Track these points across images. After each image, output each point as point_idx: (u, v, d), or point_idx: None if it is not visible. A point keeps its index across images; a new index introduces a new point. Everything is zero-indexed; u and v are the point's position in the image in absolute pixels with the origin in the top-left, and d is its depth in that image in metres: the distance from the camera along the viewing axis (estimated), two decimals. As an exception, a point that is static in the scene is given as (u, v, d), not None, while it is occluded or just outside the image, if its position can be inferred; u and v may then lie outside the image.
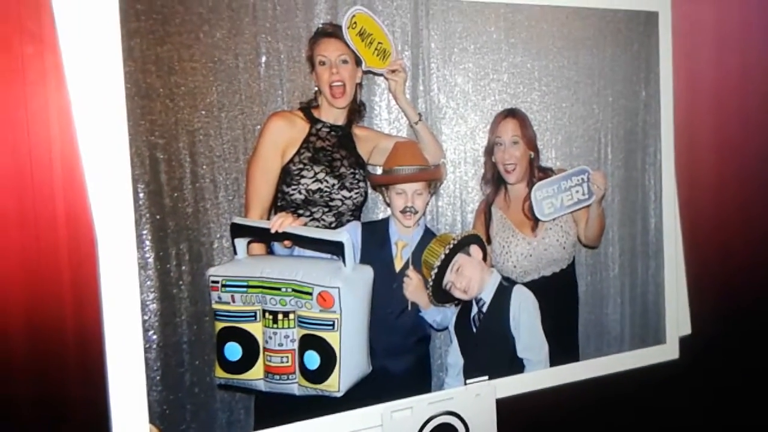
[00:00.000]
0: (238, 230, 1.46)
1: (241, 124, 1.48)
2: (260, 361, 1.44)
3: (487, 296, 1.66)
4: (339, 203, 1.59)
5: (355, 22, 1.54)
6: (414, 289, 1.62)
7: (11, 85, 1.21)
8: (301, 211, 1.56)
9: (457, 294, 1.65)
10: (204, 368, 1.45)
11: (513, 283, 1.71)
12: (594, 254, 1.87)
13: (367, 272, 1.50)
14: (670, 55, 1.87)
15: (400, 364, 1.62)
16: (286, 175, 1.54)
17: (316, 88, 1.58)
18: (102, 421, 1.26)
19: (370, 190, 1.66)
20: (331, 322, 1.42)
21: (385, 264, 1.62)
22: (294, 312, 1.43)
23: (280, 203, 1.56)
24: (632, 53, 1.85)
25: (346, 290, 1.41)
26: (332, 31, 1.54)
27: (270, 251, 1.55)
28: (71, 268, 1.27)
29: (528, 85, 1.75)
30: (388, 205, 1.66)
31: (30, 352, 1.25)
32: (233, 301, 1.43)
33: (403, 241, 1.64)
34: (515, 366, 1.67)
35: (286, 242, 1.48)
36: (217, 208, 1.47)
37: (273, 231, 1.43)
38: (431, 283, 1.60)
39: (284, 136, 1.53)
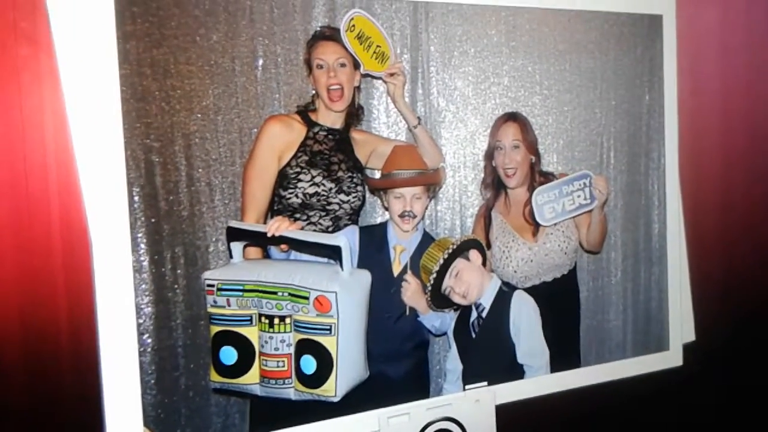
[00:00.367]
0: (234, 234, 1.45)
1: (238, 127, 1.47)
2: (256, 365, 1.43)
3: (487, 301, 1.65)
4: (336, 207, 1.58)
5: (353, 25, 1.53)
6: (412, 294, 1.61)
7: (6, 87, 1.21)
8: (297, 215, 1.55)
9: (456, 299, 1.63)
10: (199, 372, 1.45)
11: (513, 288, 1.69)
12: (596, 259, 1.85)
13: (365, 277, 1.49)
14: (675, 59, 1.85)
15: (397, 369, 1.61)
16: (283, 179, 1.53)
17: (314, 92, 1.57)
18: (96, 424, 1.26)
19: (368, 194, 1.65)
20: (328, 327, 1.41)
21: (383, 268, 1.61)
22: (290, 316, 1.42)
23: (276, 207, 1.55)
24: (636, 57, 1.84)
25: (344, 295, 1.41)
26: (330, 34, 1.53)
27: (266, 255, 1.54)
28: (66, 270, 1.27)
29: (529, 88, 1.73)
30: (387, 209, 1.65)
31: (24, 354, 1.25)
32: (229, 305, 1.42)
33: (401, 246, 1.63)
34: (515, 372, 1.65)
35: (283, 246, 1.48)
36: (212, 212, 1.47)
37: (269, 235, 1.43)
38: (429, 288, 1.59)
39: (281, 140, 1.52)
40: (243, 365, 1.43)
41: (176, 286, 1.42)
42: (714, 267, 1.98)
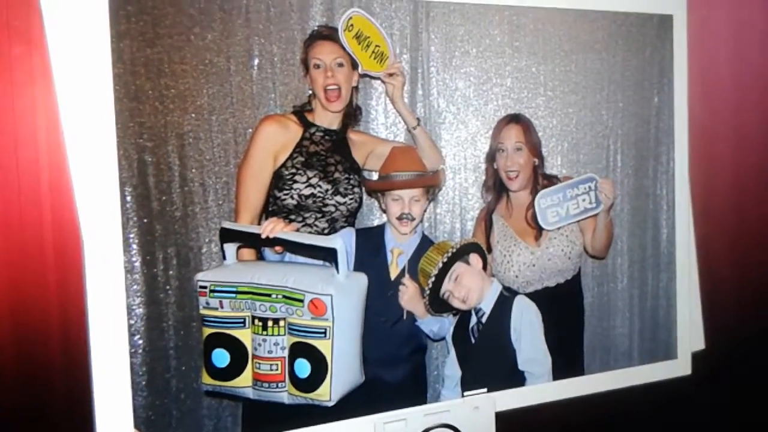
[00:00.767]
0: (227, 235, 1.44)
1: (232, 127, 1.46)
2: (249, 368, 1.42)
3: (487, 306, 1.62)
4: (333, 209, 1.56)
5: (351, 25, 1.51)
6: (409, 298, 1.58)
7: (-2, 86, 1.21)
8: (293, 217, 1.53)
9: (456, 304, 1.60)
10: (191, 374, 1.44)
11: (515, 293, 1.66)
12: (601, 265, 1.81)
13: (361, 280, 1.47)
14: (686, 60, 1.80)
15: (394, 374, 1.59)
16: (278, 180, 1.52)
17: (311, 92, 1.56)
18: (86, 425, 1.25)
19: (365, 197, 1.63)
20: (322, 330, 1.39)
21: (380, 272, 1.59)
22: (284, 319, 1.40)
23: (271, 208, 1.53)
24: (644, 58, 1.80)
25: (339, 298, 1.39)
26: (328, 34, 1.52)
27: (260, 257, 1.52)
28: (57, 270, 1.26)
29: (533, 89, 1.70)
30: (384, 211, 1.62)
31: (15, 354, 1.25)
32: (221, 307, 1.41)
33: (398, 249, 1.61)
34: (516, 379, 1.62)
35: (277, 248, 1.46)
36: (206, 213, 1.46)
37: (264, 236, 1.41)
38: (428, 292, 1.56)
39: (276, 140, 1.51)
40: (235, 368, 1.41)
41: (168, 287, 1.41)
42: (725, 274, 1.92)
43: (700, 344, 1.86)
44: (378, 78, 1.59)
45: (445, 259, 1.56)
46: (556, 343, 1.64)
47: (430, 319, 1.61)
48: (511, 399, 1.61)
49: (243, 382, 1.42)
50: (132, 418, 1.28)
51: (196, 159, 1.43)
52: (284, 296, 1.39)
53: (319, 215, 1.55)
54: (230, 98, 1.45)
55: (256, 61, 1.47)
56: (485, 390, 1.58)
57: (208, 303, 1.41)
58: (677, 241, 1.81)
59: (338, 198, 1.56)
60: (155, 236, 1.39)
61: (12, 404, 1.25)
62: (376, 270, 1.55)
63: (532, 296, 1.66)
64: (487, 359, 1.62)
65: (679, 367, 1.83)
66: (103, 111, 1.24)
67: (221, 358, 1.41)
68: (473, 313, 1.62)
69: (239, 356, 1.41)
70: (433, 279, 1.55)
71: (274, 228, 1.41)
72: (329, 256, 1.41)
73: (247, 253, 1.50)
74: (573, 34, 1.73)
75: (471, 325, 1.63)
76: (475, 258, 1.62)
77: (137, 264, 1.37)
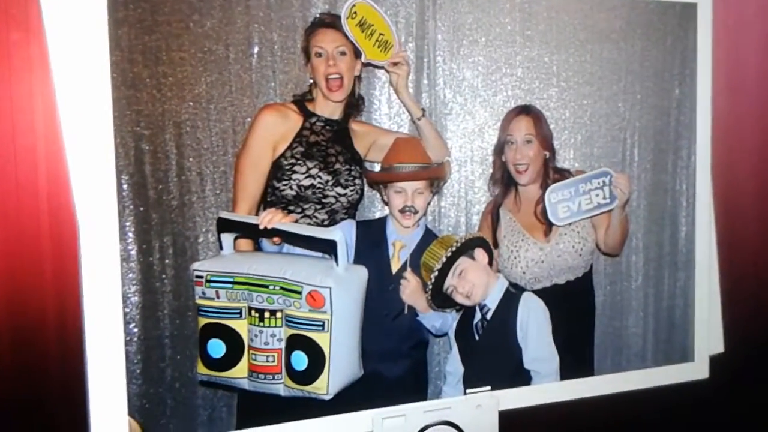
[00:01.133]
0: (224, 225, 1.43)
1: (231, 116, 1.45)
2: (245, 359, 1.41)
3: (492, 303, 1.58)
4: (333, 200, 1.53)
5: (355, 12, 1.47)
6: (411, 292, 1.55)
7: (-5, 73, 1.22)
8: (291, 208, 1.51)
9: (460, 299, 1.57)
10: (186, 363, 1.43)
11: (521, 290, 1.61)
12: (614, 263, 1.75)
13: (361, 273, 1.45)
14: (710, 51, 1.72)
15: (394, 369, 1.56)
16: (277, 170, 1.50)
17: (311, 81, 1.53)
18: (80, 412, 1.26)
19: (366, 188, 1.60)
20: (320, 323, 1.37)
21: (381, 265, 1.56)
22: (282, 311, 1.39)
23: (270, 198, 1.52)
24: (665, 48, 1.72)
25: (338, 290, 1.37)
26: (330, 21, 1.49)
27: (258, 248, 1.51)
28: (53, 258, 1.26)
29: (545, 80, 1.65)
30: (386, 203, 1.59)
31: (10, 341, 1.26)
32: (218, 297, 1.40)
33: (400, 242, 1.57)
34: (521, 378, 1.58)
35: (275, 239, 1.44)
36: (203, 202, 1.45)
37: (262, 227, 1.39)
38: (430, 287, 1.53)
39: (276, 130, 1.49)
40: (231, 358, 1.40)
41: (164, 276, 1.41)
42: (748, 274, 1.84)
43: (719, 347, 1.78)
44: (382, 67, 1.55)
45: (449, 254, 1.52)
46: (564, 342, 1.59)
47: (432, 315, 1.58)
48: (515, 398, 1.56)
49: (238, 373, 1.41)
50: (126, 406, 1.28)
51: (194, 148, 1.42)
52: (282, 288, 1.38)
53: (318, 206, 1.53)
54: (229, 86, 1.44)
55: (256, 49, 1.45)
56: (489, 388, 1.54)
57: (204, 293, 1.40)
58: (697, 239, 1.74)
59: (339, 189, 1.53)
60: (152, 225, 1.39)
61: (7, 392, 1.26)
62: (376, 263, 1.53)
63: (541, 293, 1.62)
64: (491, 357, 1.58)
65: (696, 370, 1.76)
66: (101, 98, 1.23)
67: (217, 348, 1.40)
68: (477, 309, 1.58)
69: (235, 347, 1.40)
70: (436, 273, 1.52)
71: (272, 219, 1.39)
72: (328, 248, 1.39)
73: (245, 243, 1.48)
74: (589, 23, 1.66)
75: (475, 321, 1.59)
76: (480, 253, 1.58)
77: (133, 252, 1.37)
